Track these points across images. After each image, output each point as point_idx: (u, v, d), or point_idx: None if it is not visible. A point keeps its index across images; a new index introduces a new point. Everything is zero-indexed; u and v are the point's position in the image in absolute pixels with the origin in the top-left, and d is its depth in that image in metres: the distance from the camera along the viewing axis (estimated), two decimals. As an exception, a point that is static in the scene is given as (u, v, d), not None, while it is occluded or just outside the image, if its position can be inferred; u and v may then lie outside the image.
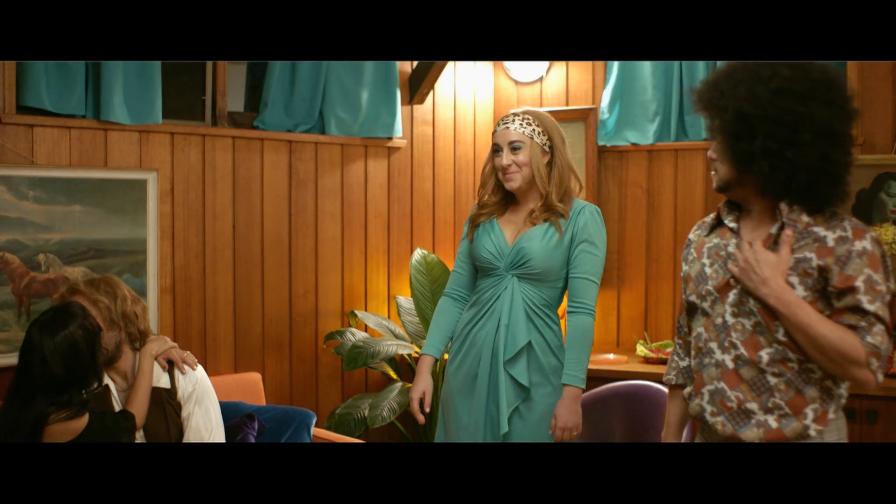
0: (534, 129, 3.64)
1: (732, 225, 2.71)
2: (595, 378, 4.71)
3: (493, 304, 3.65)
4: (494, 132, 3.71)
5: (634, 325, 5.61)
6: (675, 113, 5.41)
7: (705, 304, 2.70)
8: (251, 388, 4.61)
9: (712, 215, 2.83)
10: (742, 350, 2.60)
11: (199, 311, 4.66)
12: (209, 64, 4.87)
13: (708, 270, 2.71)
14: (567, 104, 5.80)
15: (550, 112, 5.29)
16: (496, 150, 3.68)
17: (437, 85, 5.72)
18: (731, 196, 2.72)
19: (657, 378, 4.28)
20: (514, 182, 3.64)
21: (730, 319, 2.63)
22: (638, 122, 5.48)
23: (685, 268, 2.84)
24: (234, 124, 4.94)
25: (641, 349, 5.26)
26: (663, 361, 5.10)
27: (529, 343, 3.58)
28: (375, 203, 5.40)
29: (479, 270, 3.75)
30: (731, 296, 2.64)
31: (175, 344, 3.50)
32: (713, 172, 2.71)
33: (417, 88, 5.52)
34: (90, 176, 4.27)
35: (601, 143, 5.60)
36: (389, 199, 5.48)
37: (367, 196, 5.36)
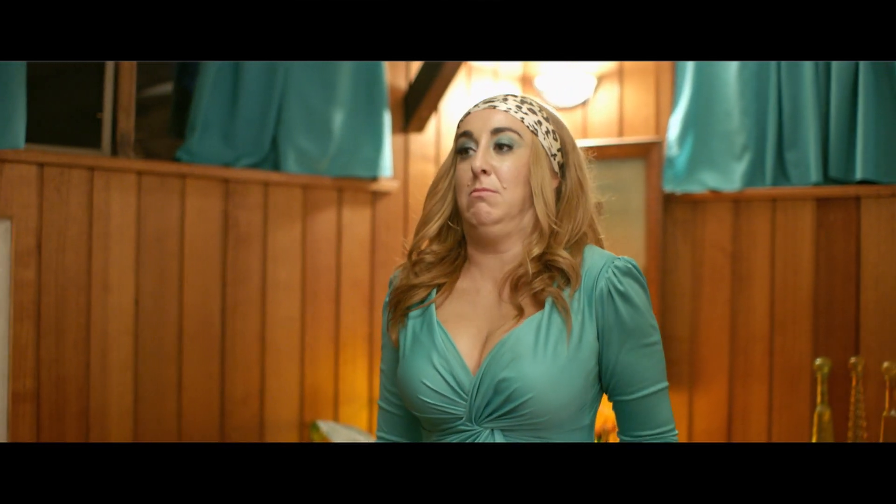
0: (539, 122, 2.25)
1: None
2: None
3: None
4: (464, 117, 2.30)
5: (713, 441, 4.33)
6: (771, 147, 4.24)
7: None
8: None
9: None
10: None
11: (78, 428, 3.43)
12: (109, 66, 3.64)
13: None
14: (621, 136, 4.68)
15: (599, 147, 4.35)
16: (463, 148, 2.24)
17: (443, 107, 4.63)
18: None
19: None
20: (491, 211, 2.17)
21: None
22: (719, 161, 4.36)
23: None
24: (144, 154, 3.76)
25: None
26: None
27: None
28: (352, 268, 4.25)
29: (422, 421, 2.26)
30: None
31: None
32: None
33: (415, 111, 4.49)
34: None
35: (668, 188, 4.44)
36: (373, 262, 4.36)
37: (342, 258, 4.22)
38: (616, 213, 4.40)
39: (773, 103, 4.21)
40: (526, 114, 2.24)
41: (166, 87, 4.01)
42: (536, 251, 2.18)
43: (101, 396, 3.46)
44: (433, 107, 4.40)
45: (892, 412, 3.61)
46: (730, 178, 4.26)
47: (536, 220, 2.22)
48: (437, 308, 2.25)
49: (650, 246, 4.35)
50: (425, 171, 4.48)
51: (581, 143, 4.23)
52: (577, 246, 2.23)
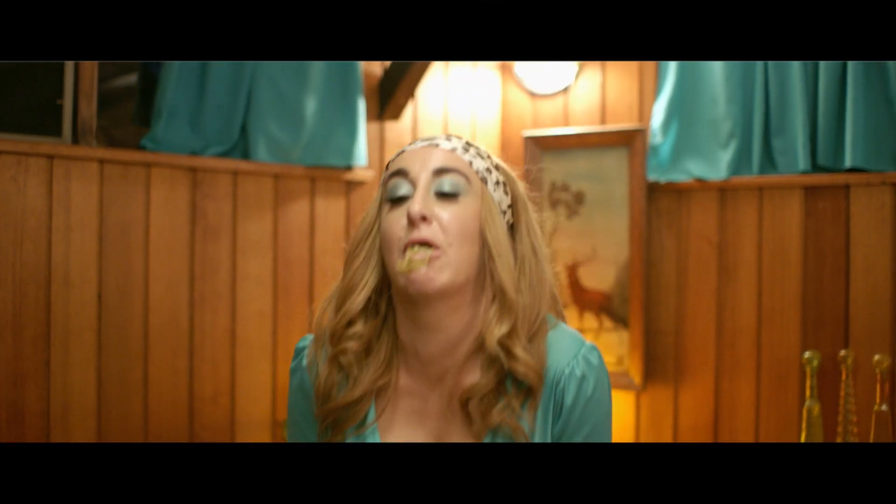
0: (489, 169, 1.90)
1: None
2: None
3: None
4: (397, 157, 1.93)
5: (700, 438, 4.21)
6: (758, 134, 4.12)
7: None
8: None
9: None
10: None
11: (38, 429, 3.26)
12: (69, 52, 3.44)
13: None
14: (603, 123, 4.55)
15: (581, 135, 4.21)
16: (395, 196, 1.85)
17: (420, 93, 4.47)
18: None
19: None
20: (434, 277, 1.78)
21: None
22: (705, 149, 4.24)
23: None
24: (107, 142, 3.61)
25: None
26: None
27: None
28: (326, 260, 4.07)
29: None
30: None
31: None
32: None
33: (391, 98, 4.32)
34: None
35: (652, 177, 4.31)
36: None
37: (315, 250, 4.05)
38: (599, 203, 4.34)
39: (759, 89, 4.11)
40: (474, 157, 1.88)
41: (131, 78, 3.87)
42: (500, 331, 1.80)
43: (63, 396, 3.30)
44: (410, 94, 4.26)
45: (883, 406, 3.54)
46: (715, 166, 4.14)
47: (488, 290, 1.85)
48: (380, 430, 1.89)
49: (634, 237, 4.23)
50: (401, 160, 4.32)
51: (562, 131, 4.10)
52: (539, 332, 1.86)
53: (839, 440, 3.64)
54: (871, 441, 3.52)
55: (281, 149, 3.88)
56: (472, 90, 4.73)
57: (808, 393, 3.71)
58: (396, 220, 1.81)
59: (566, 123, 4.60)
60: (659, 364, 4.20)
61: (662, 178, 4.24)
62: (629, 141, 4.29)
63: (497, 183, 1.89)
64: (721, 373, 4.11)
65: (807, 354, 3.73)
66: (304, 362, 1.96)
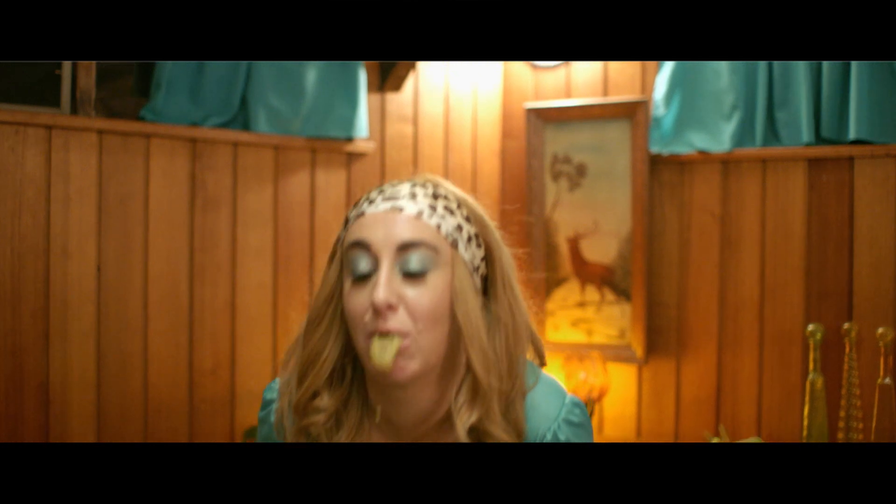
0: (459, 226, 1.75)
1: None
2: None
3: None
4: (357, 218, 1.75)
5: (702, 412, 4.18)
6: (761, 106, 4.07)
7: None
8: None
9: None
10: None
11: (37, 401, 3.22)
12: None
13: None
14: (605, 95, 4.48)
15: (583, 107, 4.18)
16: (357, 272, 1.69)
17: (421, 65, 4.40)
18: None
19: None
20: (405, 367, 1.68)
21: None
22: (708, 121, 4.18)
23: None
24: (106, 113, 3.53)
25: None
26: None
27: None
28: (327, 232, 3.87)
29: None
30: None
31: None
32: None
33: (392, 69, 4.25)
34: None
35: (654, 149, 4.26)
36: None
37: (315, 222, 4.00)
38: (601, 176, 4.31)
39: (763, 61, 4.06)
40: (443, 217, 1.72)
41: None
42: (470, 419, 1.70)
43: (62, 368, 3.26)
44: (411, 65, 4.21)
45: (887, 379, 3.52)
46: (718, 138, 4.10)
47: (460, 367, 1.75)
48: None
49: (636, 209, 4.20)
50: (402, 132, 4.28)
51: (564, 103, 4.07)
52: (516, 397, 1.76)
53: (842, 413, 3.63)
54: (874, 414, 3.51)
55: (281, 120, 3.84)
56: (474, 63, 4.67)
57: (811, 366, 3.69)
58: (360, 302, 1.68)
59: (568, 95, 4.54)
60: (661, 337, 4.17)
61: (665, 150, 4.20)
62: (631, 113, 4.24)
63: (469, 239, 1.74)
64: (723, 346, 4.08)
65: (810, 327, 3.71)
66: (272, 417, 1.88)
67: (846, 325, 3.65)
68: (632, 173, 4.23)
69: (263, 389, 1.98)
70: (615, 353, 4.19)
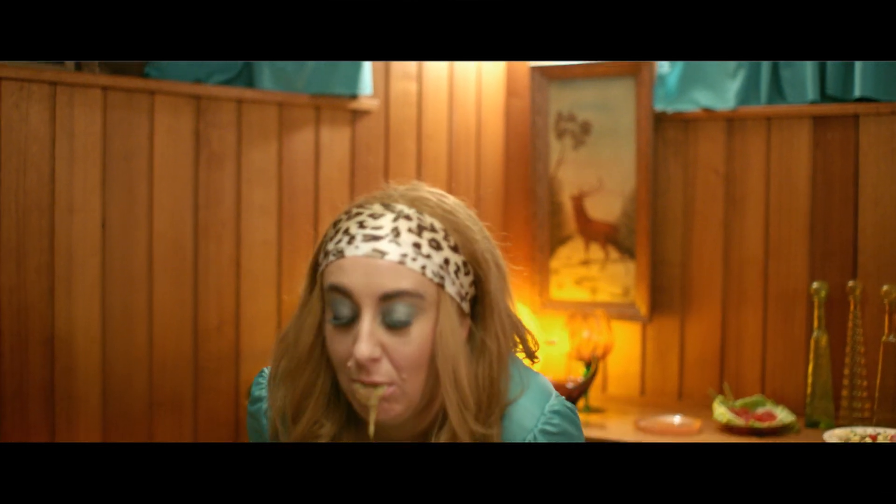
0: (446, 261, 1.67)
1: None
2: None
3: None
4: (336, 259, 1.65)
5: (706, 370, 4.16)
6: (766, 64, 4.05)
7: None
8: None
9: None
10: None
11: (42, 357, 3.20)
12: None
13: None
14: None
15: (587, 65, 4.17)
16: (339, 317, 1.65)
17: None
18: None
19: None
20: (389, 409, 1.67)
21: None
22: (713, 78, 4.13)
23: None
24: (110, 70, 3.50)
25: (721, 410, 3.68)
26: (757, 432, 3.55)
27: None
28: (331, 190, 3.97)
29: None
30: None
31: None
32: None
33: None
34: None
35: (659, 107, 4.21)
36: (353, 184, 4.06)
37: (320, 180, 3.95)
38: (605, 134, 4.29)
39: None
40: (428, 256, 1.63)
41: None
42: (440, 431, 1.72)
43: (67, 324, 3.24)
44: (415, 22, 4.14)
45: (891, 337, 3.51)
46: (723, 96, 4.07)
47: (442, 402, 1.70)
48: None
49: (640, 167, 4.17)
50: (407, 89, 4.24)
51: (569, 61, 4.02)
52: (495, 401, 1.73)
53: (846, 371, 3.63)
54: (878, 371, 3.51)
55: (285, 77, 3.80)
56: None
57: (815, 324, 3.68)
58: (343, 348, 1.64)
59: (572, 53, 4.46)
60: (665, 295, 4.16)
61: (669, 108, 4.17)
62: (636, 71, 4.21)
63: (457, 271, 1.67)
64: (728, 304, 4.08)
65: (815, 285, 3.70)
66: (263, 420, 1.90)
67: (851, 283, 3.65)
68: (636, 131, 4.21)
69: (255, 377, 1.97)
70: (619, 312, 4.18)
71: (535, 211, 4.36)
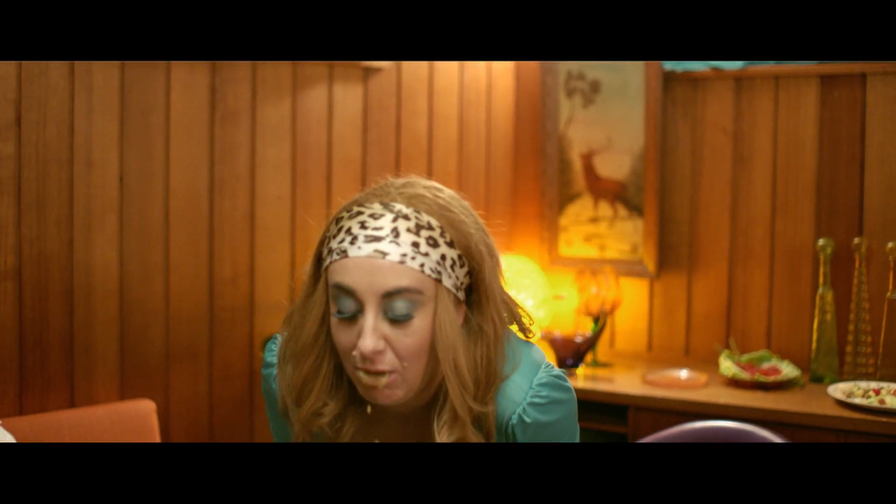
0: (443, 257, 1.76)
1: None
2: (659, 411, 3.55)
3: None
4: (339, 258, 1.75)
5: (712, 326, 4.21)
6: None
7: None
8: (141, 423, 3.28)
9: None
10: None
11: (61, 307, 3.22)
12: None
13: None
14: None
15: None
16: (342, 311, 1.75)
17: None
18: None
19: (760, 415, 3.36)
20: (391, 394, 1.78)
21: None
22: None
23: None
24: None
25: (727, 365, 3.72)
26: (762, 386, 3.59)
27: None
28: (344, 147, 3.99)
29: None
30: None
31: None
32: None
33: None
34: None
35: (667, 66, 4.24)
36: (365, 141, 4.07)
37: (332, 137, 3.95)
38: (614, 93, 4.33)
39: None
40: (426, 254, 1.73)
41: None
42: (449, 440, 1.79)
43: (85, 275, 3.27)
44: (427, -20, 4.16)
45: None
46: (732, 55, 4.08)
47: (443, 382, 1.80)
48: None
49: (649, 126, 4.21)
50: (418, 48, 4.26)
51: (571, 61, 4.06)
52: (491, 382, 1.83)
53: (851, 328, 3.68)
54: (882, 327, 3.55)
55: (299, 34, 3.81)
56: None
57: (821, 280, 3.73)
58: (348, 339, 1.75)
59: (583, 13, 4.48)
60: (673, 252, 4.20)
61: (678, 68, 4.19)
62: (646, 30, 4.20)
63: (453, 265, 1.76)
64: (734, 261, 4.12)
65: (820, 242, 3.74)
66: (272, 384, 1.99)
67: (856, 240, 3.69)
68: (645, 90, 4.23)
69: (276, 328, 2.03)
70: (627, 268, 4.22)
71: (544, 168, 4.40)
